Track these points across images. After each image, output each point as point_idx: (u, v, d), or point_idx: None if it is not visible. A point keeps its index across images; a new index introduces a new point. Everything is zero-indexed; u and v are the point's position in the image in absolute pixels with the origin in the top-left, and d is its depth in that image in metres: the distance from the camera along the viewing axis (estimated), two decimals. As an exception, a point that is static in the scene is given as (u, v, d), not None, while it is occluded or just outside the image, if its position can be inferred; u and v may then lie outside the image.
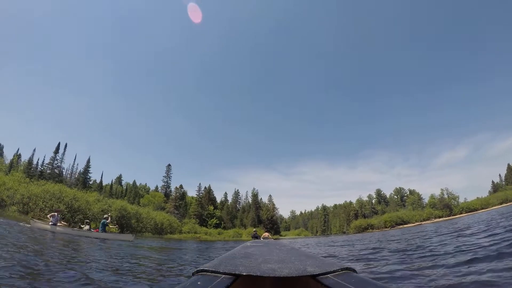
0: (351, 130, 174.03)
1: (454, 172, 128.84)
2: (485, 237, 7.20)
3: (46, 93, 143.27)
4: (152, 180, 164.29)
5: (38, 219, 16.56)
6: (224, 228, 64.09)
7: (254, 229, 13.42)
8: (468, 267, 3.77)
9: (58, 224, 14.01)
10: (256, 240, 6.22)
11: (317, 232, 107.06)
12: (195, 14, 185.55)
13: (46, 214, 28.62)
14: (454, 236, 9.17)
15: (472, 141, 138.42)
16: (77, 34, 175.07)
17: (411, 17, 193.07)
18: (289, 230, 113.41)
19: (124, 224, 33.78)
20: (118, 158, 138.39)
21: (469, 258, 4.32)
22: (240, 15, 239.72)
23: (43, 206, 28.42)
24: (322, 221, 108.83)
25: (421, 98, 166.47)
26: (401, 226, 60.18)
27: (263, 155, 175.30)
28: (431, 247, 6.77)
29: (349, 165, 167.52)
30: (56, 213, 14.38)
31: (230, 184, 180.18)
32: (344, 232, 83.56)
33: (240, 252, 1.62)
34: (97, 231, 14.28)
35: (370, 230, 66.13)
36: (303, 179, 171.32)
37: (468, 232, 10.02)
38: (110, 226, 15.21)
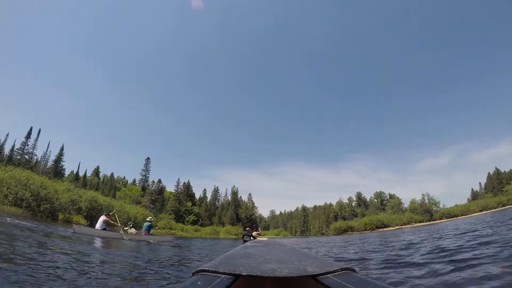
0: (338, 133, 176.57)
1: (435, 179, 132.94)
2: None
3: (25, 80, 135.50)
4: (131, 174, 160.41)
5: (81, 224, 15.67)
6: (202, 225, 63.41)
7: (247, 228, 13.50)
8: None
9: (108, 229, 13.72)
10: (256, 240, 5.58)
11: (296, 232, 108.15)
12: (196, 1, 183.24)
13: (10, 202, 27.42)
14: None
15: (456, 148, 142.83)
16: (56, 17, 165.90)
17: (401, 21, 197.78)
18: (268, 229, 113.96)
19: (95, 216, 32.82)
20: (97, 150, 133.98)
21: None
22: (237, 10, 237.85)
23: (7, 192, 27.16)
24: (302, 222, 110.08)
25: (411, 103, 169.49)
26: (381, 230, 60.83)
27: (248, 154, 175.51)
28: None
29: (333, 168, 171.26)
30: (105, 217, 13.99)
31: (212, 182, 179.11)
32: (323, 234, 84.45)
33: (240, 252, 1.62)
34: (145, 234, 14.41)
35: (350, 232, 66.71)
36: (285, 179, 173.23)
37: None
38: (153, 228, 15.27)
